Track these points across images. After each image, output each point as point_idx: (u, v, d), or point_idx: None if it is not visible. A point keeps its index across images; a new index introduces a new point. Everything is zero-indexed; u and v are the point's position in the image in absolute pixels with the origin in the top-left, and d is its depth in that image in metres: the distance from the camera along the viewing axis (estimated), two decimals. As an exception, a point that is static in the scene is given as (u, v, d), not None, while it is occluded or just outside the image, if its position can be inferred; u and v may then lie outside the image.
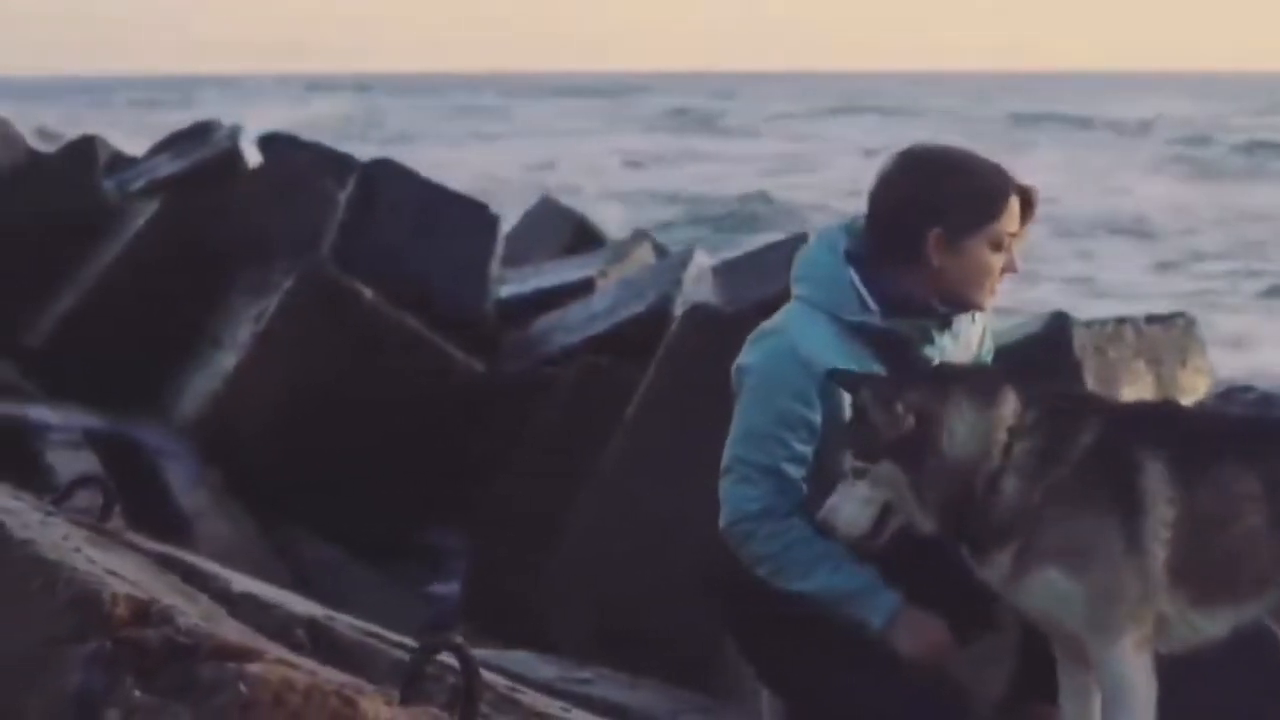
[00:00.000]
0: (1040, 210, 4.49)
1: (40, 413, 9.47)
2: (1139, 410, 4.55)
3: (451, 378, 9.73)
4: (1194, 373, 8.51)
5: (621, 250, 12.59)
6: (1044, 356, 8.01)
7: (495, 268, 11.49)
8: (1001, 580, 4.10)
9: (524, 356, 10.79)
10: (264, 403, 9.48)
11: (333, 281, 9.76)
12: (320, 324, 9.56)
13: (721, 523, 4.37)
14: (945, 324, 4.46)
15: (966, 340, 4.55)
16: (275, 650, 3.20)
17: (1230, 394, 7.83)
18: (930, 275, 4.37)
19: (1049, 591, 4.06)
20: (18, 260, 11.46)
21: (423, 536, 9.37)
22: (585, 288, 11.65)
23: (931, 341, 4.45)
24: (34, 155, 13.95)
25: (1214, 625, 4.14)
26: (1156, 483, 4.03)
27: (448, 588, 8.88)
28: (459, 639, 3.17)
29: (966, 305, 4.44)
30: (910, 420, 4.09)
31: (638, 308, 10.34)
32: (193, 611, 3.27)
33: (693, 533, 4.83)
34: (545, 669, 6.57)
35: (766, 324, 4.48)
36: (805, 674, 4.36)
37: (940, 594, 4.27)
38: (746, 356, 4.43)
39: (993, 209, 4.36)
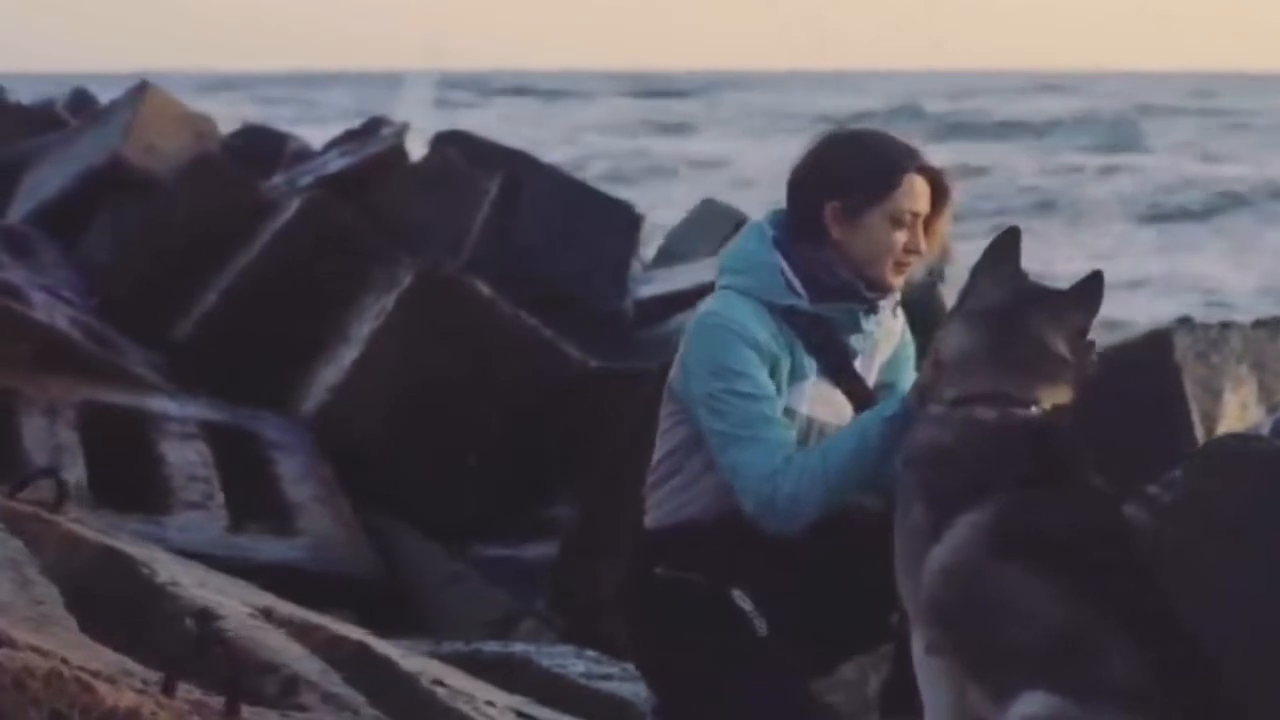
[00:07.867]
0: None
1: (161, 403, 9.64)
2: (1051, 468, 3.96)
3: (567, 377, 9.74)
4: (1299, 379, 8.26)
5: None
6: (1144, 360, 7.87)
7: (636, 266, 11.55)
8: None
9: (656, 355, 10.80)
10: (377, 398, 9.57)
11: (449, 278, 9.84)
12: (435, 320, 9.63)
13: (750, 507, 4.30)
14: (871, 309, 4.44)
15: (889, 329, 4.52)
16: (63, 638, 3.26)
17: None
18: (835, 250, 4.37)
19: None
20: (179, 255, 11.72)
21: (525, 535, 9.41)
22: (727, 287, 11.62)
23: (859, 328, 4.43)
24: (220, 152, 14.24)
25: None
26: (961, 531, 3.81)
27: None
28: (224, 632, 3.20)
29: (872, 283, 4.40)
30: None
31: (764, 307, 10.28)
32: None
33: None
34: (577, 664, 6.61)
35: (704, 309, 4.46)
36: (685, 674, 4.34)
37: (833, 599, 4.23)
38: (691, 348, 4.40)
39: (886, 182, 4.34)
